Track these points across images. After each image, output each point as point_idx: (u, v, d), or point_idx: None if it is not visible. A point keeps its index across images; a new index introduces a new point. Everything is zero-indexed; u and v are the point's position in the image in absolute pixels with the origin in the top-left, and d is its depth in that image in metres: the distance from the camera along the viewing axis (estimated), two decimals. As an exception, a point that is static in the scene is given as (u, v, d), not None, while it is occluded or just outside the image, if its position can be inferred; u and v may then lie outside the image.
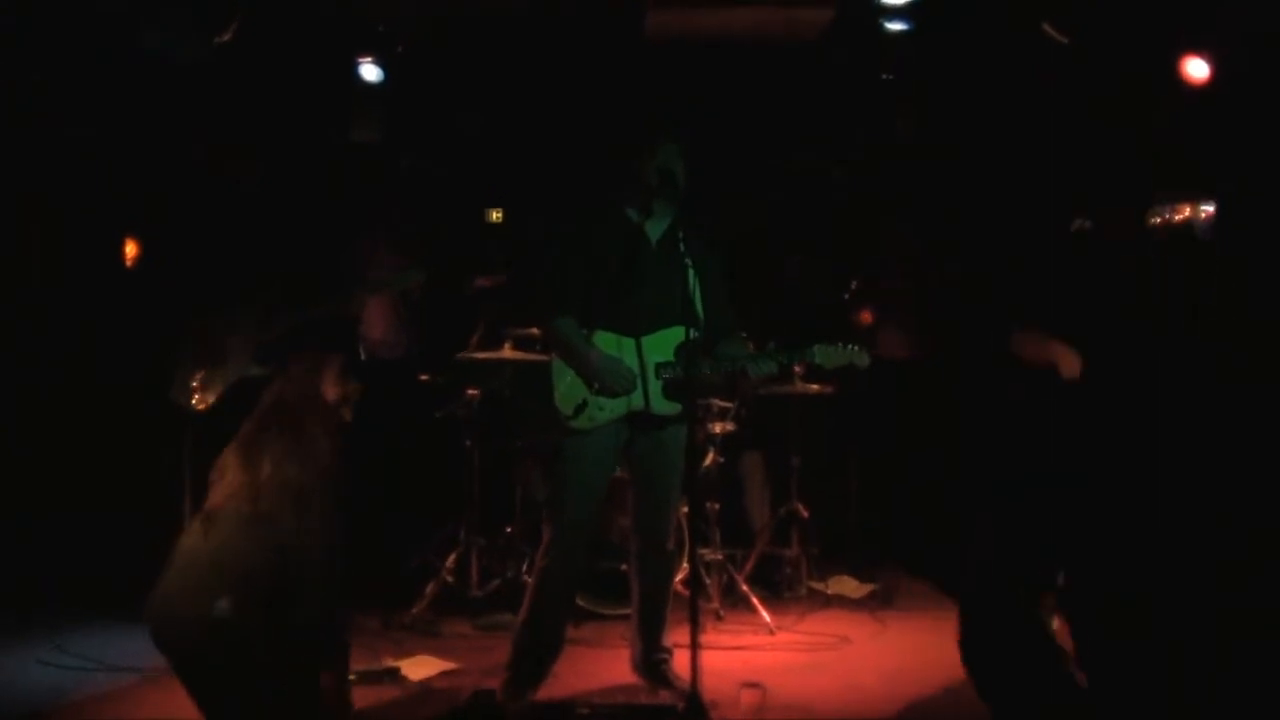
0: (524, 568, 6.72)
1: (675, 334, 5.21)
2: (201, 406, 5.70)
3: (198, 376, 5.68)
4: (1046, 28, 6.90)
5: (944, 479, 7.55)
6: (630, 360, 5.22)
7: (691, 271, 5.10)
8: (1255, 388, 3.25)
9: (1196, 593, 2.92)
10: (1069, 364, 5.91)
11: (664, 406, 5.25)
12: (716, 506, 6.87)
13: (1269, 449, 2.84)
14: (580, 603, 6.20)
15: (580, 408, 5.22)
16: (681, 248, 5.07)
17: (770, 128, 8.15)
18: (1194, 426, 3.10)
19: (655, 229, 5.32)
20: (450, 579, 6.82)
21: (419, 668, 5.81)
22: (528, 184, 8.15)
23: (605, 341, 5.26)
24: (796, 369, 6.91)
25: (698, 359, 5.16)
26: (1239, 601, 3.05)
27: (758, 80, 7.91)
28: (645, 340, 5.25)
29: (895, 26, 7.27)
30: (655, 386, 5.24)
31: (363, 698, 5.46)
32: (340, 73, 7.47)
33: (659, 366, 5.24)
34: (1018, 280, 6.61)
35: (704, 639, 5.25)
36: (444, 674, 5.78)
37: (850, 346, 5.35)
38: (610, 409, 5.22)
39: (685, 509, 5.45)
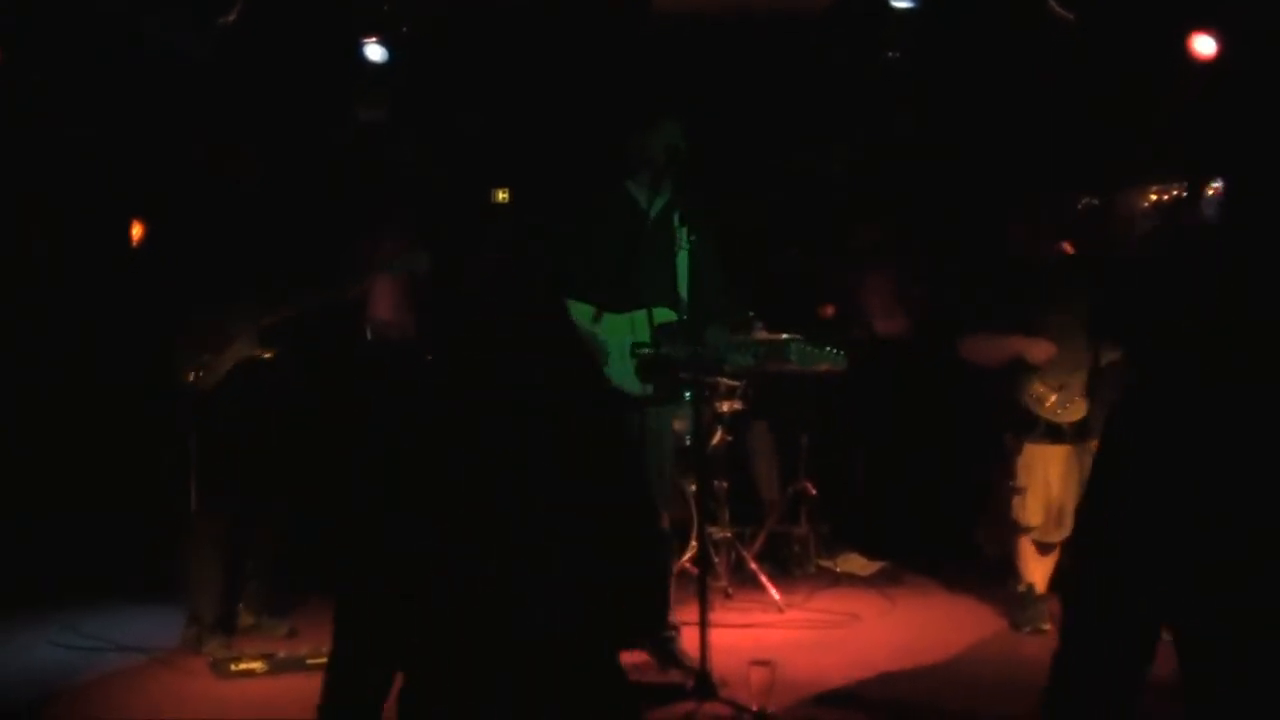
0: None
1: (659, 315, 5.20)
2: (205, 387, 5.70)
3: (203, 357, 5.69)
4: (1052, 4, 6.87)
5: (950, 459, 7.55)
6: (613, 334, 5.19)
7: (685, 251, 5.09)
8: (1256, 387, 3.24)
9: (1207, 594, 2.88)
10: (1037, 352, 5.97)
11: (637, 388, 5.23)
12: (725, 485, 6.87)
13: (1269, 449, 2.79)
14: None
15: None
16: (675, 225, 5.06)
17: (769, 122, 8.12)
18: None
19: (655, 206, 5.30)
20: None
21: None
22: (531, 168, 8.13)
23: (582, 313, 5.23)
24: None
25: (673, 342, 5.14)
26: (1244, 602, 3.02)
27: (758, 71, 7.88)
28: (627, 318, 5.23)
29: (901, 4, 7.25)
30: (629, 367, 5.22)
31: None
32: (345, 55, 7.45)
33: (634, 346, 5.21)
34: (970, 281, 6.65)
35: (713, 617, 5.26)
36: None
37: (828, 349, 5.34)
38: None
39: (694, 487, 5.43)
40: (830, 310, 7.86)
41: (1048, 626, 6.01)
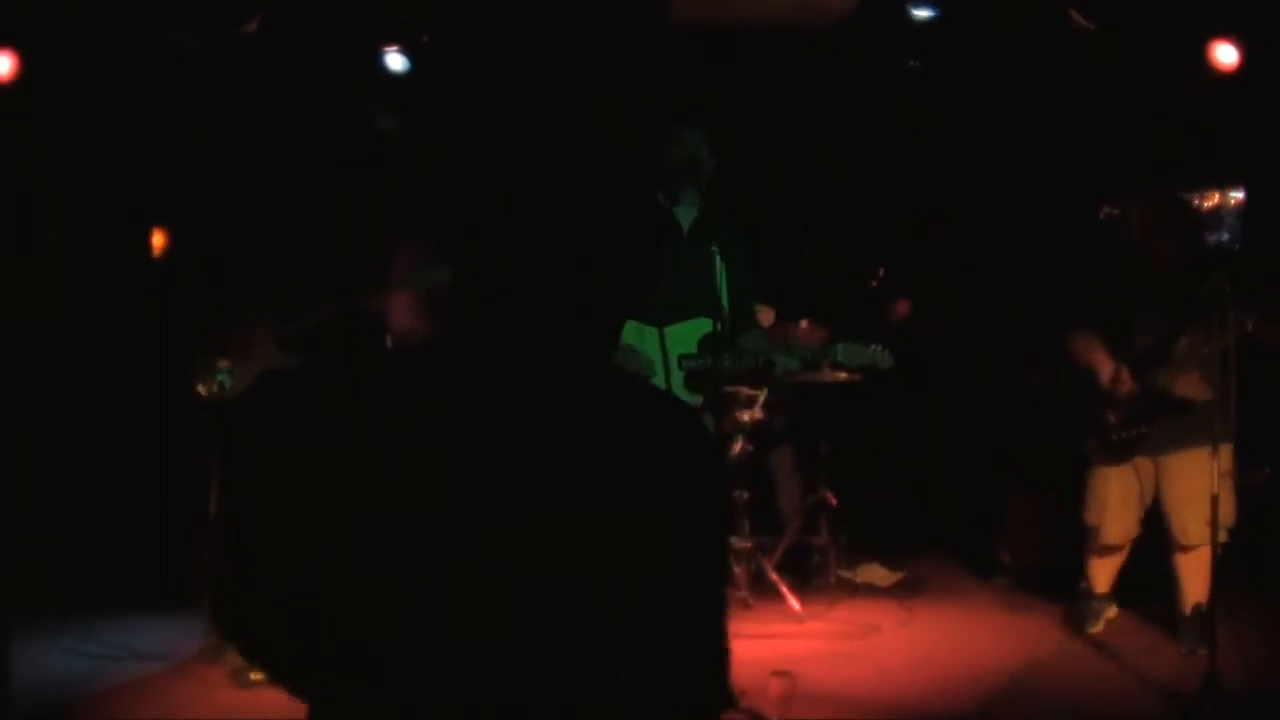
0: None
1: (701, 325, 5.19)
2: (226, 396, 5.70)
3: (223, 366, 5.69)
4: (1073, 14, 6.86)
5: (971, 467, 7.53)
6: (652, 350, 5.20)
7: (721, 261, 5.08)
8: None
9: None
10: (1105, 368, 5.99)
11: (686, 398, 5.23)
12: (745, 495, 6.83)
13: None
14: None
15: None
16: (713, 236, 5.06)
17: (791, 119, 8.12)
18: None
19: (686, 217, 5.30)
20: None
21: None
22: (551, 174, 8.12)
23: (627, 330, 5.24)
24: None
25: (722, 351, 5.14)
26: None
27: (780, 70, 7.88)
28: (669, 331, 5.22)
29: (921, 14, 7.23)
30: (677, 378, 5.22)
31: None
32: (363, 63, 7.46)
33: (682, 358, 5.22)
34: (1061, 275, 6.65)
35: (732, 627, 5.19)
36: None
37: (873, 347, 5.34)
38: None
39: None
40: (904, 308, 7.79)
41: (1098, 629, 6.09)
